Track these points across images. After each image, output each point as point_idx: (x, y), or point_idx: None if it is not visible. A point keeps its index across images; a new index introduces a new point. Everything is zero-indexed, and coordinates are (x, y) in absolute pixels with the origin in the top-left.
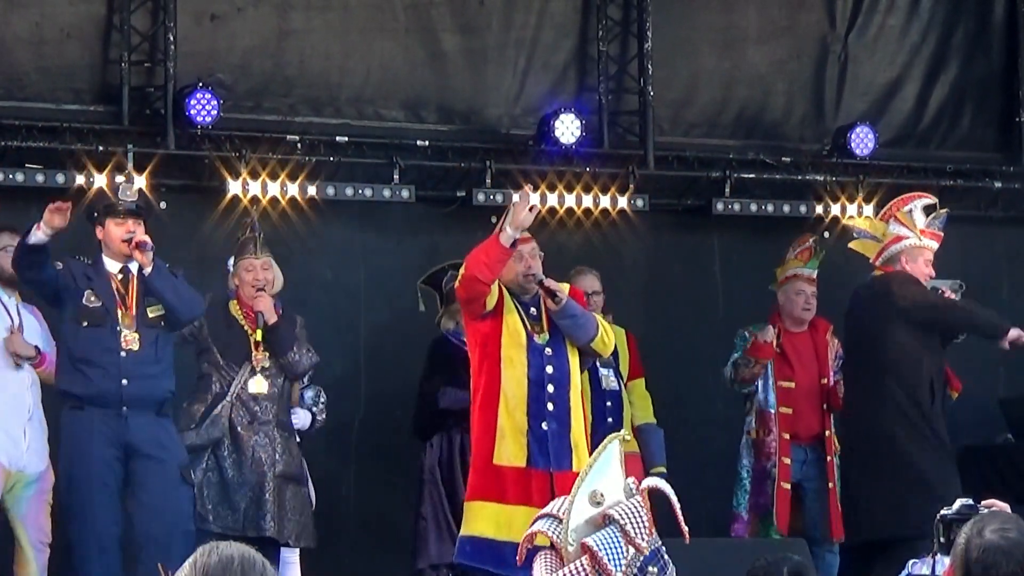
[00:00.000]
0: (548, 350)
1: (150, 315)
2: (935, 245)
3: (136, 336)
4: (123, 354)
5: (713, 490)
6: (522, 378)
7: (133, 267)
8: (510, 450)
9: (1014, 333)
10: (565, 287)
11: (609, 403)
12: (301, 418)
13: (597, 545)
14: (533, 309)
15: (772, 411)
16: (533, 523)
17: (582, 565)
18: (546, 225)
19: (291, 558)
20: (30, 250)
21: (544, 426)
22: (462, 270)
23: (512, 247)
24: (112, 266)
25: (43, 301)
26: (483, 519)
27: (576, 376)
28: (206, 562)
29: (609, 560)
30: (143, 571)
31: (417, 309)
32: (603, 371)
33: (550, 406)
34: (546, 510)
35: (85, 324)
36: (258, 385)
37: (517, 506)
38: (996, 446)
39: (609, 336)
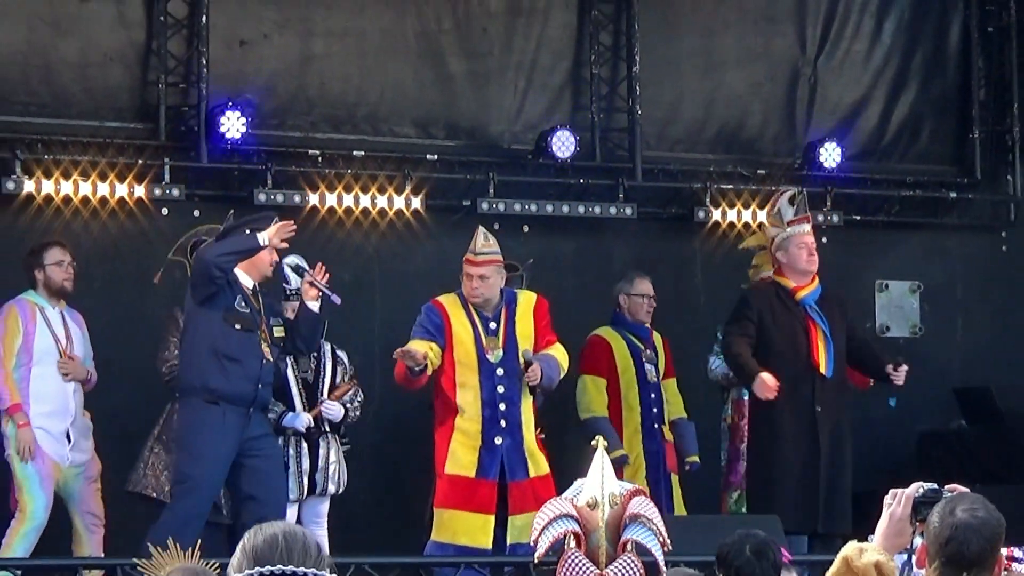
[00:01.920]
0: (500, 370)
1: (276, 334)
2: (806, 227)
3: (268, 349)
4: (264, 362)
5: (702, 469)
6: (475, 399)
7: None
8: (461, 461)
9: (759, 381)
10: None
11: (652, 395)
12: (335, 411)
13: (652, 539)
14: (493, 324)
15: (746, 399)
16: (551, 523)
17: (630, 565)
18: (544, 230)
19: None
20: (248, 253)
21: (498, 440)
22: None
23: (418, 372)
24: (247, 281)
25: (196, 294)
26: (444, 526)
27: (520, 387)
28: (254, 544)
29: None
30: None
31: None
32: (647, 366)
33: (503, 423)
34: (560, 510)
35: (238, 327)
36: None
37: (471, 513)
38: (951, 431)
39: (565, 365)
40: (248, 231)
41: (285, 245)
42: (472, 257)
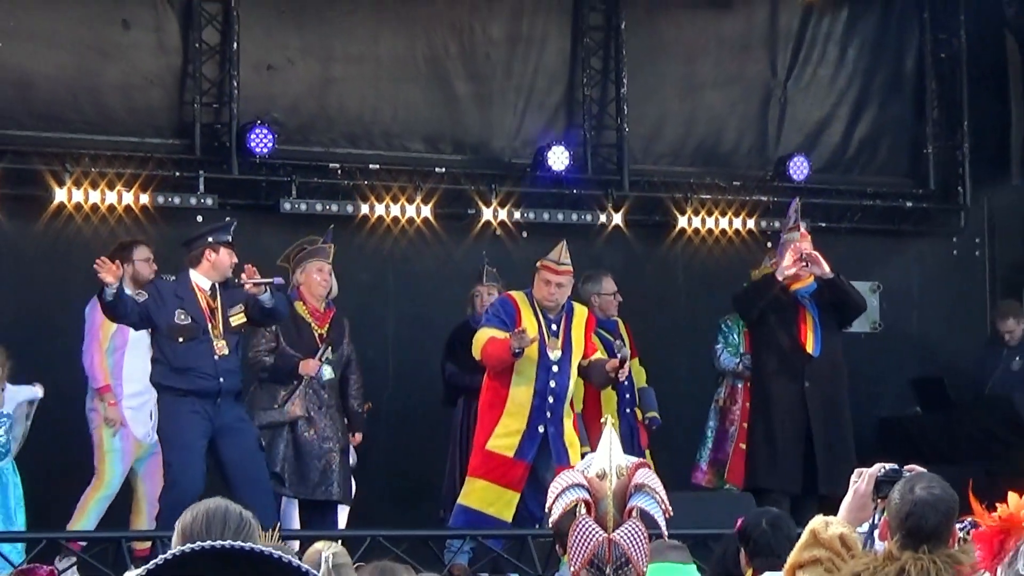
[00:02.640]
0: (555, 367)
1: (234, 322)
2: (795, 235)
3: (222, 343)
4: (217, 357)
5: (679, 448)
6: (529, 388)
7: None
8: (503, 442)
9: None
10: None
11: (625, 382)
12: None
13: (655, 506)
14: (555, 325)
15: (740, 386)
16: (564, 492)
17: (637, 532)
18: (541, 236)
19: (342, 514)
20: (111, 307)
21: (541, 429)
22: (480, 357)
23: (517, 355)
24: (204, 283)
25: (134, 329)
26: (475, 493)
27: (571, 388)
28: (184, 523)
29: (656, 515)
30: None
31: (436, 304)
32: (619, 354)
33: (548, 414)
34: (572, 480)
35: (180, 340)
36: (328, 374)
37: (502, 487)
38: (908, 417)
39: None
40: (198, 238)
41: (115, 280)
42: (554, 266)
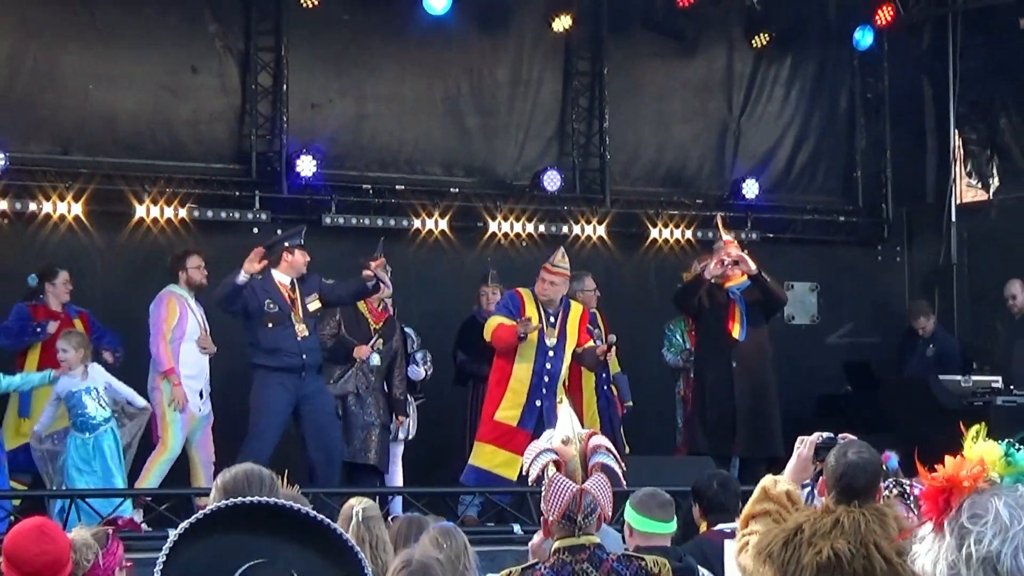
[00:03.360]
0: (551, 352)
1: (311, 308)
2: (720, 243)
3: (303, 326)
4: (300, 338)
5: (650, 425)
6: (528, 369)
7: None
8: (508, 413)
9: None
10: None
11: (604, 363)
12: (417, 372)
13: (612, 462)
14: (552, 317)
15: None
16: (536, 457)
17: (602, 482)
18: (537, 245)
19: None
20: (235, 292)
21: (538, 403)
22: (490, 339)
23: (522, 339)
24: (284, 279)
25: (233, 317)
26: (483, 456)
27: (565, 370)
28: (224, 481)
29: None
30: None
31: (450, 302)
32: (597, 343)
33: (544, 390)
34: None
35: (270, 325)
36: (376, 360)
37: (507, 452)
38: (840, 395)
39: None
40: (276, 244)
41: (258, 267)
42: (550, 267)
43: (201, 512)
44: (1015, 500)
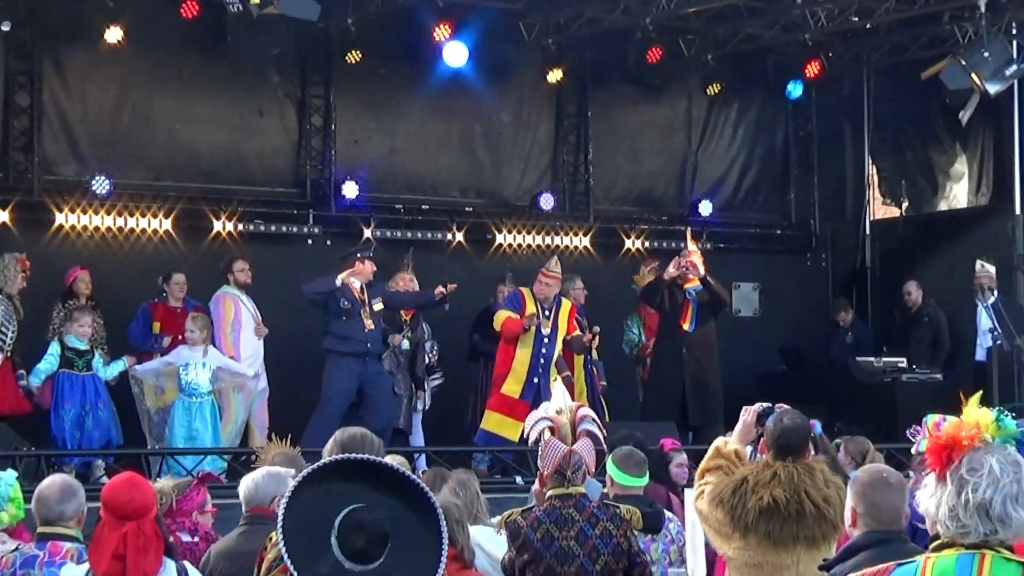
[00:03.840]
0: (546, 339)
1: (375, 308)
2: (685, 252)
3: (369, 320)
4: (367, 331)
5: (617, 400)
6: (528, 353)
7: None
8: (511, 388)
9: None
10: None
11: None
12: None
13: (596, 429)
14: (547, 311)
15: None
16: (535, 424)
17: (588, 445)
18: (535, 255)
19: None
20: (331, 292)
21: (535, 380)
22: (500, 328)
23: (526, 330)
24: (356, 283)
25: (314, 307)
26: (492, 421)
27: (557, 354)
28: (341, 439)
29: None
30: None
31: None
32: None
33: (540, 369)
34: (540, 415)
35: (344, 319)
36: (405, 345)
37: (512, 419)
38: (778, 372)
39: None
40: (339, 272)
41: (353, 279)
42: (546, 271)
43: (320, 462)
44: (1005, 457)
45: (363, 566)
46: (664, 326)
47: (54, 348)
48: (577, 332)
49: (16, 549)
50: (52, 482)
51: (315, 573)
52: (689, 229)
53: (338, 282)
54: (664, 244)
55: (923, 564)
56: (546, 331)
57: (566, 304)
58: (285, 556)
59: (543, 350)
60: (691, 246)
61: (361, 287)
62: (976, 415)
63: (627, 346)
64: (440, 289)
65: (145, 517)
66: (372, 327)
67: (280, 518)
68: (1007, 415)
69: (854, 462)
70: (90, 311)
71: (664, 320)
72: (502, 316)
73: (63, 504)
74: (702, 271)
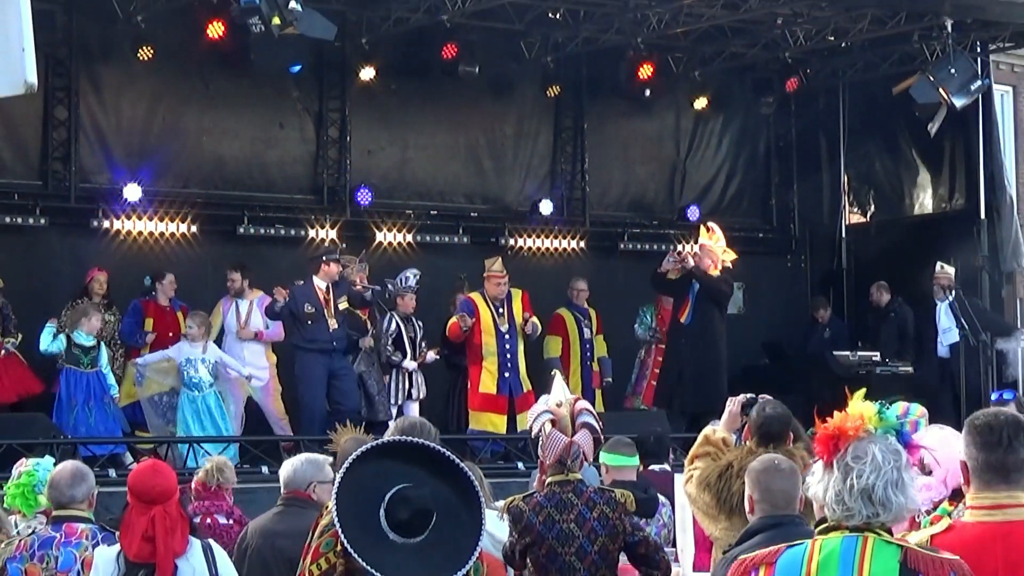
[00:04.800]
0: (507, 335)
1: (340, 307)
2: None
3: (332, 320)
4: (332, 329)
5: (618, 384)
6: (494, 351)
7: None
8: (488, 385)
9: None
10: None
11: (587, 345)
12: (410, 364)
13: (593, 420)
14: (500, 308)
15: (652, 347)
16: (537, 417)
17: (586, 436)
18: (534, 256)
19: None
20: (278, 314)
21: (506, 375)
22: (448, 332)
23: (464, 330)
24: (321, 284)
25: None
26: (479, 420)
27: (521, 345)
28: (401, 426)
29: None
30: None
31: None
32: (584, 330)
33: (508, 364)
34: (542, 409)
35: (309, 322)
36: (371, 343)
37: (495, 414)
38: (761, 365)
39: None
40: (316, 258)
41: (320, 281)
42: (497, 273)
43: (375, 442)
44: (887, 446)
45: (406, 539)
46: (672, 318)
47: (61, 340)
48: (531, 319)
49: (33, 532)
50: (63, 468)
51: (361, 541)
52: (703, 224)
53: (277, 304)
54: (655, 247)
55: (811, 546)
56: (504, 327)
57: (516, 294)
58: (336, 522)
59: (507, 346)
60: (703, 239)
61: (327, 287)
62: (860, 408)
63: (641, 328)
64: (356, 288)
65: (169, 500)
66: (336, 326)
67: (336, 488)
68: (888, 408)
69: None
70: (100, 309)
71: (672, 312)
72: (449, 324)
73: (74, 488)
74: (692, 262)
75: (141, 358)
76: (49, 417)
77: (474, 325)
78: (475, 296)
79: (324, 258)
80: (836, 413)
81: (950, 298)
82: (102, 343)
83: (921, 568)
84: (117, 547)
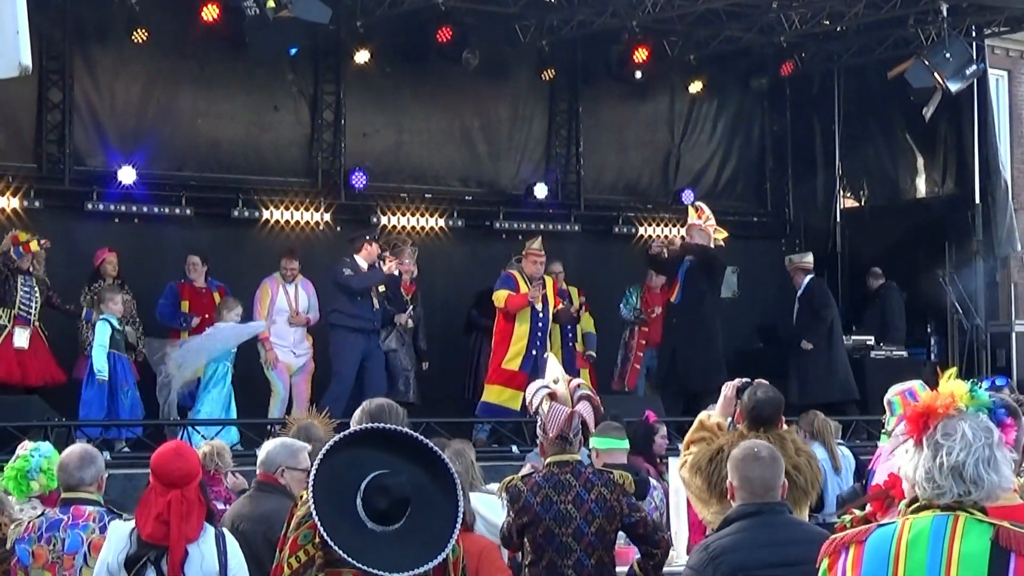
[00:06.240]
0: (541, 313)
1: (380, 289)
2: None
3: (376, 300)
4: (375, 309)
5: (605, 364)
6: (526, 326)
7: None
8: (512, 361)
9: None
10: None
11: (569, 326)
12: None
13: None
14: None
15: (636, 329)
16: (536, 392)
17: (587, 406)
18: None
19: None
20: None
21: (534, 352)
22: (504, 305)
23: (532, 303)
24: (363, 264)
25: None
26: (493, 393)
27: (550, 326)
28: (369, 409)
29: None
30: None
31: (465, 279)
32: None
33: (538, 343)
34: (540, 385)
35: (359, 298)
36: (410, 324)
37: (512, 389)
38: (754, 350)
39: None
40: (358, 237)
41: (362, 260)
42: (536, 252)
43: (350, 430)
44: (977, 424)
45: (384, 527)
46: (666, 300)
47: (103, 328)
48: (562, 305)
49: (42, 514)
50: (72, 451)
51: (340, 531)
52: (690, 204)
53: (392, 271)
54: (649, 230)
55: (901, 525)
56: (539, 306)
57: (548, 280)
58: (313, 513)
59: (539, 324)
60: (692, 219)
61: (368, 268)
62: (951, 386)
63: (626, 308)
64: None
65: (189, 485)
66: (378, 306)
67: (311, 479)
68: (980, 387)
69: (807, 434)
70: (119, 290)
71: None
72: (502, 295)
73: (83, 470)
74: (679, 241)
75: (178, 353)
76: (76, 403)
77: (511, 298)
78: (514, 272)
79: (367, 238)
80: (927, 391)
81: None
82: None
83: (1013, 546)
84: (132, 523)
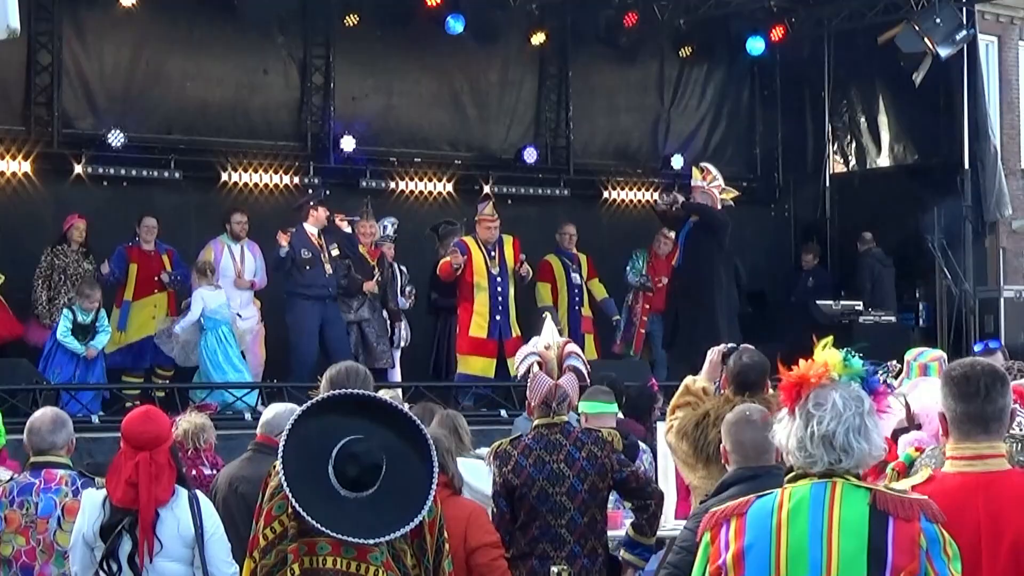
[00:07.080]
0: (499, 277)
1: (333, 253)
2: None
3: (329, 266)
4: (328, 275)
5: (605, 329)
6: (485, 294)
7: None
8: (477, 330)
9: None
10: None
11: (576, 290)
12: (403, 303)
13: (581, 364)
14: (492, 252)
15: (640, 294)
16: (524, 358)
17: (571, 379)
18: (520, 203)
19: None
20: (282, 261)
21: (497, 317)
22: (440, 271)
23: (456, 268)
24: (312, 230)
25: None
26: (467, 364)
27: (512, 288)
28: (331, 375)
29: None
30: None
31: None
32: (573, 275)
33: (500, 308)
34: (529, 350)
35: (307, 268)
36: (376, 290)
37: (484, 357)
38: (743, 314)
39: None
40: (304, 204)
41: (310, 227)
42: (488, 217)
43: (317, 398)
44: (849, 393)
45: (357, 493)
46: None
47: (65, 319)
48: (524, 263)
49: (11, 479)
50: (43, 414)
51: (312, 500)
52: (695, 166)
53: (283, 250)
54: (639, 195)
55: (780, 495)
56: (496, 270)
57: (508, 240)
58: (284, 484)
59: (498, 288)
60: (696, 180)
61: (319, 233)
62: (825, 355)
63: (633, 273)
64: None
65: (159, 448)
66: (331, 272)
67: (281, 449)
68: (855, 355)
69: None
70: (98, 286)
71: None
72: (440, 262)
73: (54, 434)
74: (681, 199)
75: (179, 326)
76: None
77: (466, 265)
78: (467, 239)
79: (311, 203)
80: (802, 361)
81: None
82: (105, 316)
83: (891, 509)
84: (104, 492)
